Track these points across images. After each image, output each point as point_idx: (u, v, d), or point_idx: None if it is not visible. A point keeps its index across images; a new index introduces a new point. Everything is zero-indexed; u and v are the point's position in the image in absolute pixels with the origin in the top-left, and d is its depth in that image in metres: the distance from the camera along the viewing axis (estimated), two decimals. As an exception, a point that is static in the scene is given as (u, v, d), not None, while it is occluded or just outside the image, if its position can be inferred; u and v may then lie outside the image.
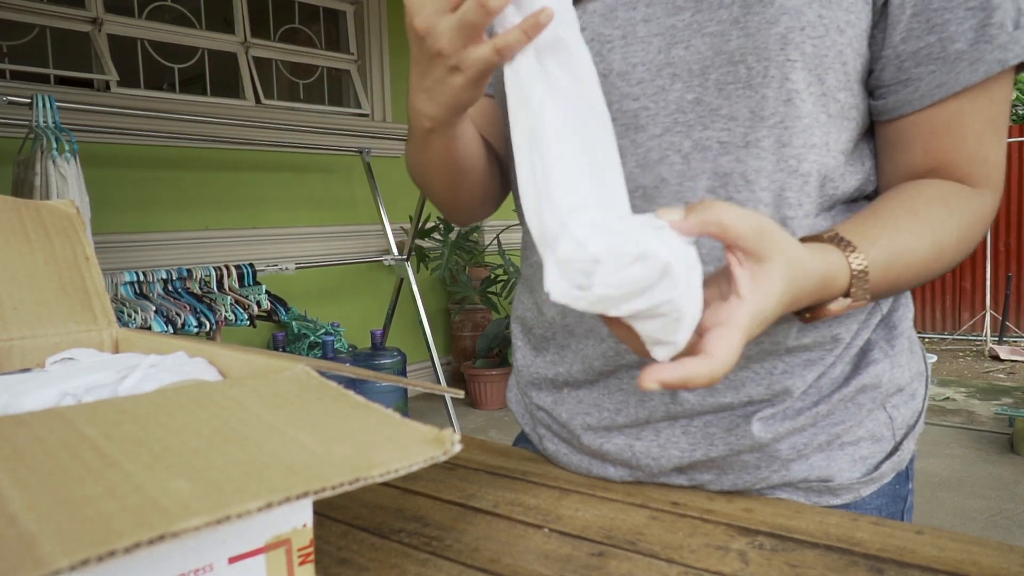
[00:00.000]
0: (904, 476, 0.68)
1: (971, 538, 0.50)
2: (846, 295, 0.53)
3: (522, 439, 0.81)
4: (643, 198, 0.61)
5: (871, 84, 0.61)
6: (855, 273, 0.52)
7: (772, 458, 0.62)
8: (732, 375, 0.61)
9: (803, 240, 0.54)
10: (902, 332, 0.66)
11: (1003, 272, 5.96)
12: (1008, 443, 3.33)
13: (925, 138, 0.59)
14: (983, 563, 0.47)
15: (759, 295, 0.45)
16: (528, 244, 0.74)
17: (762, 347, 0.61)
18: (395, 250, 3.57)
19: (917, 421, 0.68)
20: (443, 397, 3.54)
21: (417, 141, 0.67)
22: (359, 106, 4.16)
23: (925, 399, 0.69)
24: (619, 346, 0.64)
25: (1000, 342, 5.78)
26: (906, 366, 0.66)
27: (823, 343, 0.62)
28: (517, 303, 0.78)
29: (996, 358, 5.38)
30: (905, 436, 0.67)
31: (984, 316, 5.99)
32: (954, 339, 6.18)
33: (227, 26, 3.68)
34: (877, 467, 0.65)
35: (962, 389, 4.50)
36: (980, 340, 6.00)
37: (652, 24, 0.59)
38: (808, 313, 0.54)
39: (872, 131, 0.64)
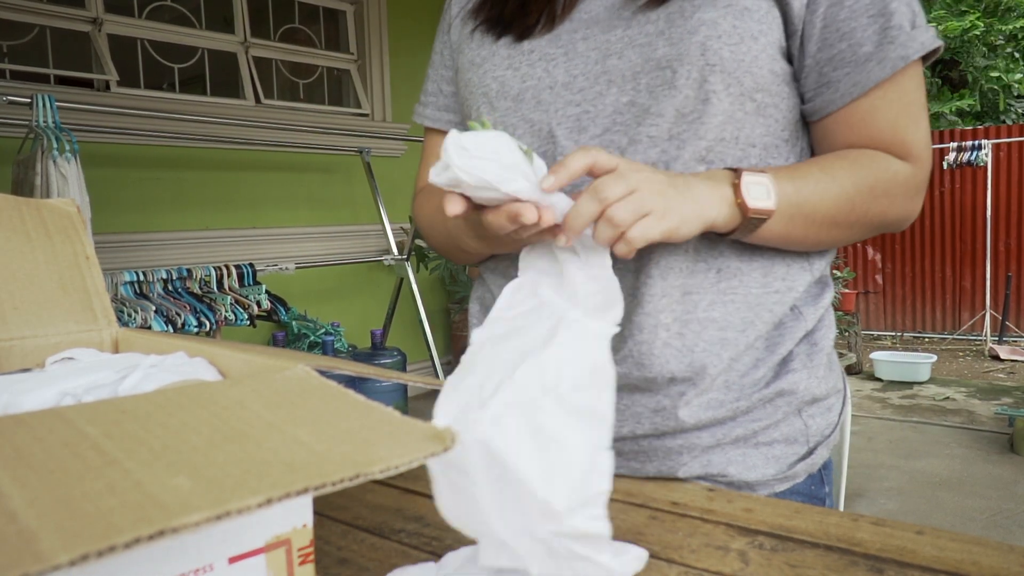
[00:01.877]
0: (819, 479, 0.75)
1: (971, 538, 0.50)
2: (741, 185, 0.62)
3: None
4: None
5: (800, 91, 0.70)
6: (738, 170, 0.62)
7: (693, 445, 0.69)
8: (657, 350, 0.68)
9: None
10: (823, 350, 0.73)
11: (1003, 272, 5.96)
12: (1008, 443, 3.33)
13: (847, 132, 0.69)
14: (983, 563, 0.47)
15: (623, 162, 0.57)
16: None
17: (675, 314, 0.68)
18: (395, 250, 3.57)
19: (832, 432, 0.76)
20: (443, 397, 3.53)
21: (451, 242, 0.78)
22: (359, 106, 4.16)
23: (842, 414, 0.77)
24: None
25: (1000, 342, 5.78)
26: (823, 380, 0.73)
27: (733, 323, 0.69)
28: (476, 286, 0.86)
29: (996, 358, 5.39)
30: (819, 444, 0.74)
31: (984, 316, 5.99)
32: (954, 339, 6.18)
33: (227, 26, 3.68)
34: (790, 467, 0.72)
35: (962, 389, 4.50)
36: (980, 340, 6.00)
37: (590, 41, 0.69)
38: (743, 220, 0.62)
39: (806, 133, 0.74)
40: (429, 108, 0.88)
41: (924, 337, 6.36)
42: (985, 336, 5.94)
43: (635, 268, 0.69)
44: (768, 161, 0.70)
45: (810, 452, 0.73)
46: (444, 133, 0.87)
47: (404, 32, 4.27)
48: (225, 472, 0.24)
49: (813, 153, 0.75)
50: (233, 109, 3.51)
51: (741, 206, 0.62)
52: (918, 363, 4.72)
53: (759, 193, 0.62)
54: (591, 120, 0.69)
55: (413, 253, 3.68)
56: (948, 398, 4.28)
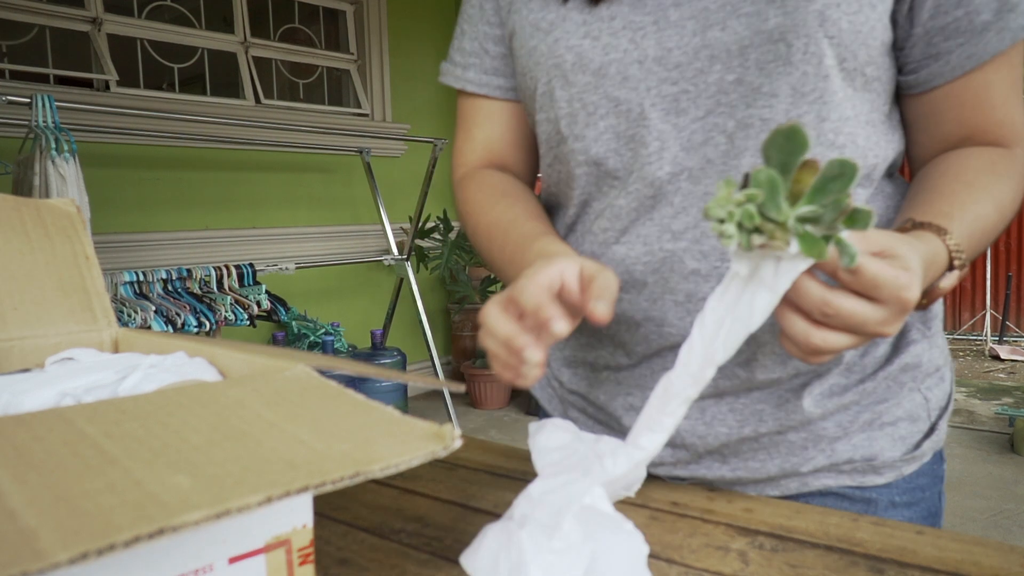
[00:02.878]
0: (940, 456, 0.70)
1: (971, 538, 0.50)
2: (950, 269, 0.56)
3: None
4: (689, 179, 0.62)
5: (900, 61, 0.63)
6: (952, 250, 0.55)
7: (819, 437, 0.64)
8: (779, 348, 0.62)
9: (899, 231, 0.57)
10: (935, 315, 0.68)
11: (1003, 272, 5.96)
12: (1008, 443, 3.33)
13: (957, 109, 0.62)
14: (983, 563, 0.47)
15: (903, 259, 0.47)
16: (560, 229, 0.74)
17: None
18: (395, 250, 3.58)
19: (948, 403, 0.70)
20: (444, 397, 3.54)
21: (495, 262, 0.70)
22: (359, 106, 4.16)
23: (952, 383, 0.71)
24: (661, 328, 0.64)
25: (1000, 342, 5.79)
26: (941, 348, 0.69)
27: None
28: None
29: (996, 358, 5.39)
30: (940, 417, 0.69)
31: (984, 316, 5.99)
32: (954, 338, 6.18)
33: (227, 26, 3.68)
34: (917, 446, 0.67)
35: (962, 389, 4.50)
36: (980, 340, 6.00)
37: (683, 7, 0.60)
38: (924, 299, 0.56)
39: (898, 105, 0.67)
40: (472, 71, 0.76)
41: (924, 337, 6.36)
42: (985, 336, 5.94)
43: None
44: (874, 140, 0.63)
45: (932, 428, 0.68)
46: (490, 99, 0.76)
47: (404, 32, 4.27)
48: (225, 470, 0.24)
49: (906, 127, 0.67)
50: (233, 109, 3.51)
51: (919, 306, 0.56)
52: (918, 363, 4.72)
53: (940, 293, 0.57)
54: (691, 101, 0.61)
55: (413, 253, 3.68)
56: (948, 398, 4.28)
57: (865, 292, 0.45)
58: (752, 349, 0.62)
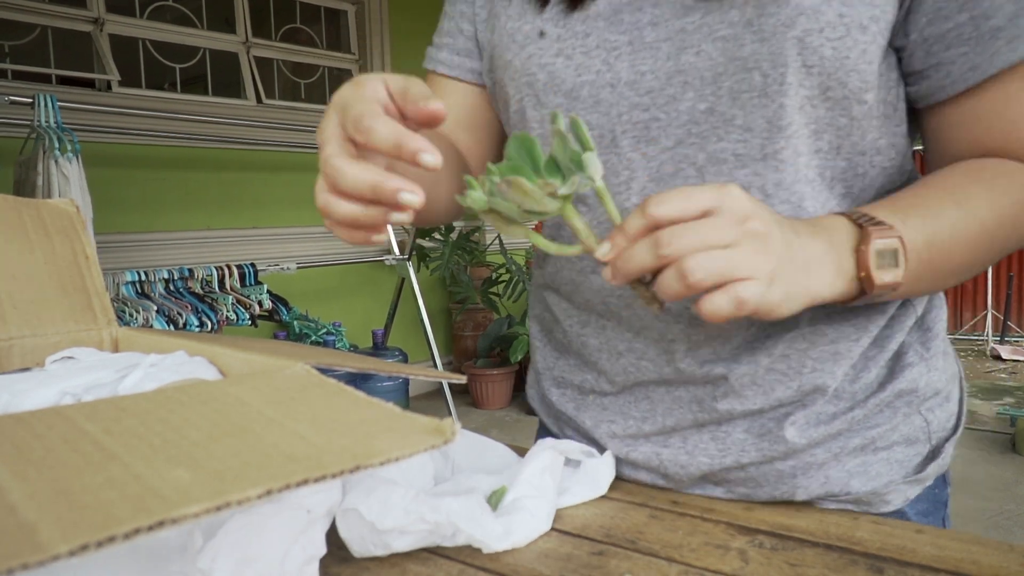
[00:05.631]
0: (943, 480, 0.65)
1: (971, 537, 0.50)
2: (860, 227, 0.48)
3: (544, 433, 0.78)
4: None
5: (903, 70, 0.57)
6: (864, 227, 0.48)
7: (808, 465, 0.59)
8: (760, 378, 0.59)
9: None
10: (937, 334, 0.63)
11: (1005, 272, 5.95)
12: (1010, 443, 3.32)
13: (969, 126, 0.55)
14: (983, 563, 0.47)
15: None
16: (542, 254, 0.72)
17: (775, 335, 0.57)
18: (396, 250, 3.58)
19: (956, 425, 0.64)
20: (445, 397, 3.54)
21: None
22: (360, 106, 4.17)
23: (962, 402, 0.66)
24: (639, 362, 0.62)
25: (1002, 342, 5.78)
26: (942, 369, 0.63)
27: (846, 333, 0.58)
28: (534, 303, 0.75)
29: (998, 358, 5.38)
30: (944, 440, 0.63)
31: (986, 316, 5.98)
32: (956, 339, 6.18)
33: (228, 26, 3.68)
34: (918, 469, 0.62)
35: (963, 390, 4.49)
36: (982, 340, 6.00)
37: (660, 28, 0.56)
38: (863, 280, 0.48)
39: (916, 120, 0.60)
40: (444, 51, 0.72)
41: (925, 338, 6.35)
42: (987, 336, 5.93)
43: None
44: (884, 166, 0.57)
45: (935, 451, 0.62)
46: (458, 81, 0.72)
47: (405, 32, 4.27)
48: (225, 465, 0.24)
49: (924, 147, 0.61)
50: (234, 109, 3.51)
51: (865, 280, 0.48)
52: (919, 364, 4.71)
53: (887, 261, 0.47)
54: (661, 129, 0.57)
55: (414, 253, 3.69)
56: (949, 399, 4.28)
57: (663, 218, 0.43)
58: (731, 383, 0.59)
